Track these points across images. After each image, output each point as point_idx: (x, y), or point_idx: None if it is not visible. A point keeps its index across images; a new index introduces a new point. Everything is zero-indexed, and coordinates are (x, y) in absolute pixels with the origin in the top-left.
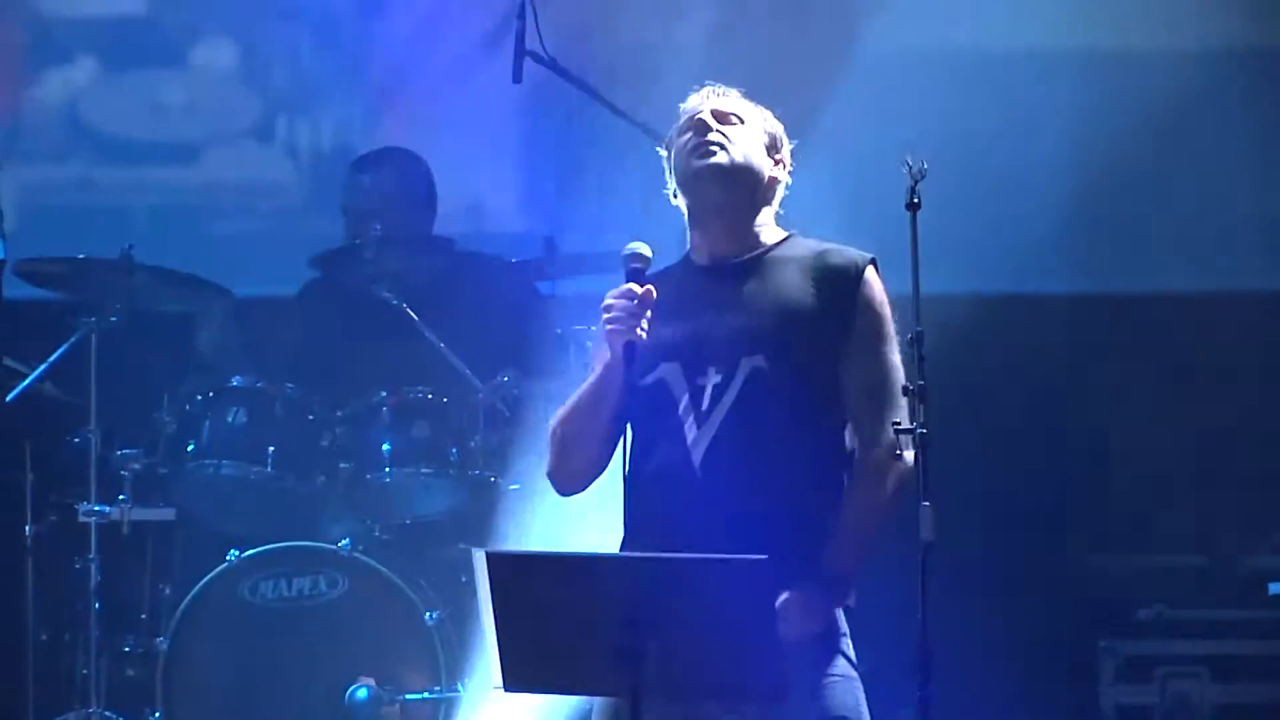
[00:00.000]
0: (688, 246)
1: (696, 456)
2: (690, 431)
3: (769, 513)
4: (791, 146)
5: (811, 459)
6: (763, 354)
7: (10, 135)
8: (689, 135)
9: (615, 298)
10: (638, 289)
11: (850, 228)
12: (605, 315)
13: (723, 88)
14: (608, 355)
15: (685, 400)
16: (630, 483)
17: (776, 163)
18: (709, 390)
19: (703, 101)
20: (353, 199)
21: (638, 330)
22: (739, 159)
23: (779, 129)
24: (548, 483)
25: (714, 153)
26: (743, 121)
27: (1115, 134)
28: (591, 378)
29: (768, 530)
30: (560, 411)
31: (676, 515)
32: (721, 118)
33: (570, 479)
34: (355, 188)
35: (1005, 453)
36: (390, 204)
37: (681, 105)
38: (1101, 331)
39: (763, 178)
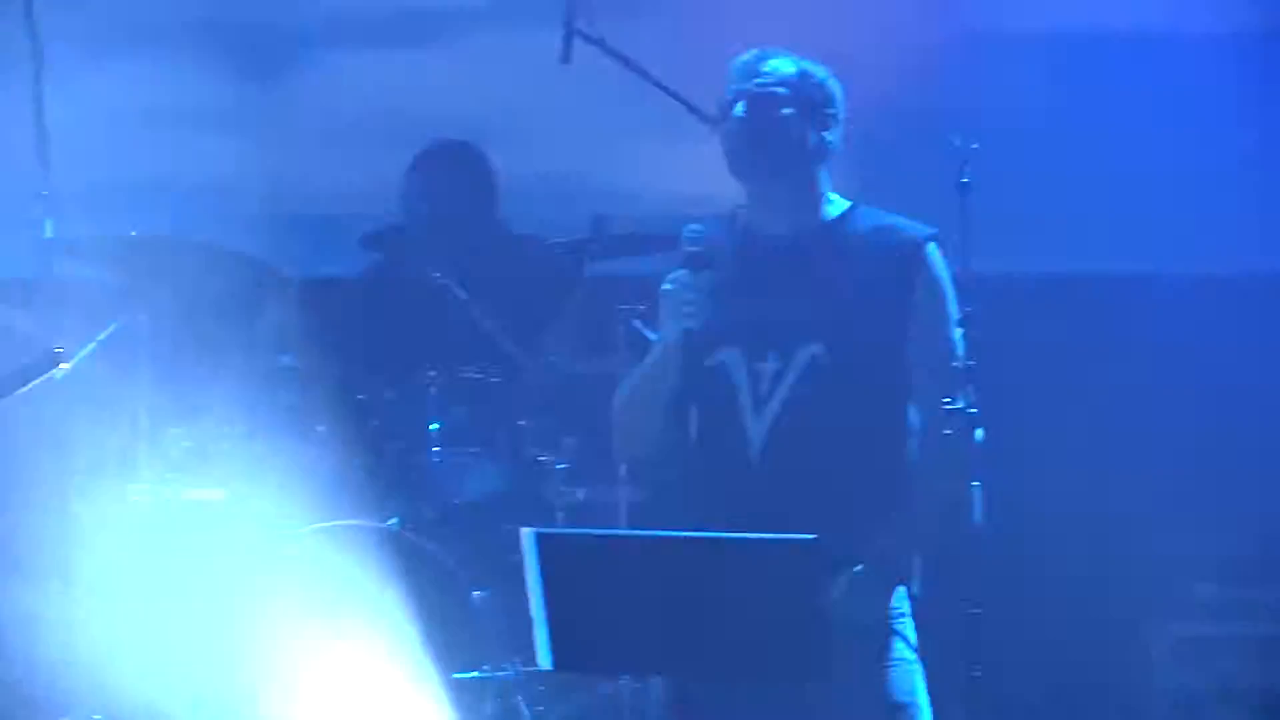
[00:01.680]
0: (747, 219)
1: (755, 446)
2: (749, 420)
3: (827, 503)
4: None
5: (870, 447)
6: (820, 342)
7: (61, 117)
8: (732, 126)
9: (672, 283)
10: (695, 275)
11: (899, 207)
12: (663, 301)
13: (764, 55)
14: (666, 342)
15: (745, 387)
16: (690, 468)
17: (827, 124)
18: (767, 377)
19: (746, 82)
20: (411, 202)
21: (694, 316)
22: (781, 148)
23: (827, 86)
24: (595, 462)
25: (757, 147)
26: (785, 104)
27: (1169, 114)
28: (649, 360)
29: (826, 520)
30: (620, 393)
31: (735, 504)
32: (763, 106)
33: (635, 453)
34: (413, 192)
35: (1058, 433)
36: (450, 204)
37: (730, 70)
38: (1154, 312)
39: (810, 152)
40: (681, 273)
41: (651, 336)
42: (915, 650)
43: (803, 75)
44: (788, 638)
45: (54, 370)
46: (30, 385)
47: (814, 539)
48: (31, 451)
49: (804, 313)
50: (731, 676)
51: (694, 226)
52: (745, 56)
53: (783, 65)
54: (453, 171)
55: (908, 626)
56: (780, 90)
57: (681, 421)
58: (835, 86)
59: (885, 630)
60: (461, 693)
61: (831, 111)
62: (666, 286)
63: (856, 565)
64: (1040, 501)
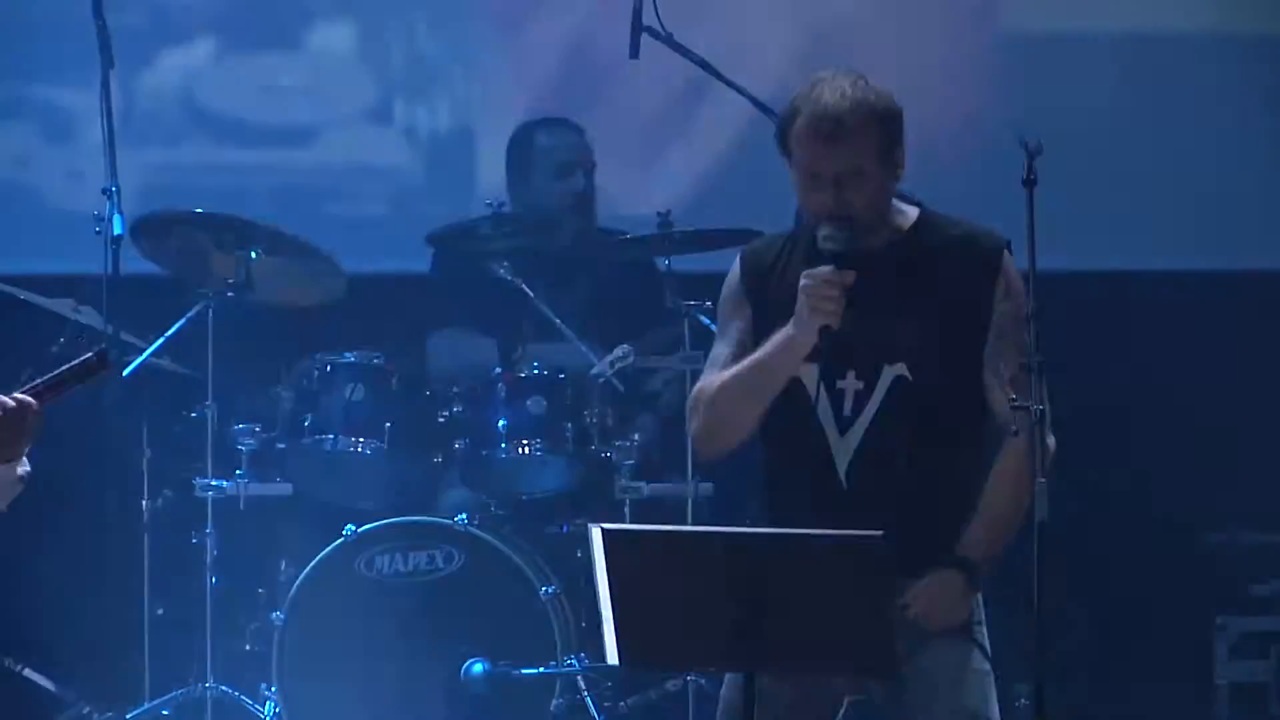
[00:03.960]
0: (813, 233)
1: (841, 467)
2: (833, 440)
3: (916, 523)
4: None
5: (956, 463)
6: (904, 362)
7: (128, 116)
8: (809, 186)
9: (817, 278)
10: (838, 273)
11: (967, 204)
12: (805, 295)
13: (830, 115)
14: (786, 333)
15: (825, 405)
16: (771, 484)
17: (896, 152)
18: (850, 397)
19: (814, 154)
20: (544, 154)
21: (835, 315)
22: (866, 214)
23: (892, 119)
24: (662, 458)
25: (846, 224)
26: (864, 168)
27: (1236, 113)
28: (770, 351)
29: (915, 538)
30: (717, 379)
31: (823, 524)
32: (841, 180)
33: (721, 446)
34: (545, 142)
35: (1121, 430)
36: (579, 162)
37: (793, 118)
38: (1219, 309)
39: (887, 195)
40: (825, 269)
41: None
42: (990, 659)
43: (876, 120)
44: (853, 634)
45: (101, 373)
46: (78, 387)
47: (879, 536)
48: (101, 444)
49: (884, 332)
50: (797, 672)
51: (829, 227)
52: (808, 113)
53: (847, 116)
54: (577, 134)
55: (984, 634)
56: (859, 151)
57: (762, 430)
58: (896, 106)
59: (965, 638)
60: (529, 688)
61: (900, 133)
62: (806, 282)
63: (940, 571)
64: (1104, 498)
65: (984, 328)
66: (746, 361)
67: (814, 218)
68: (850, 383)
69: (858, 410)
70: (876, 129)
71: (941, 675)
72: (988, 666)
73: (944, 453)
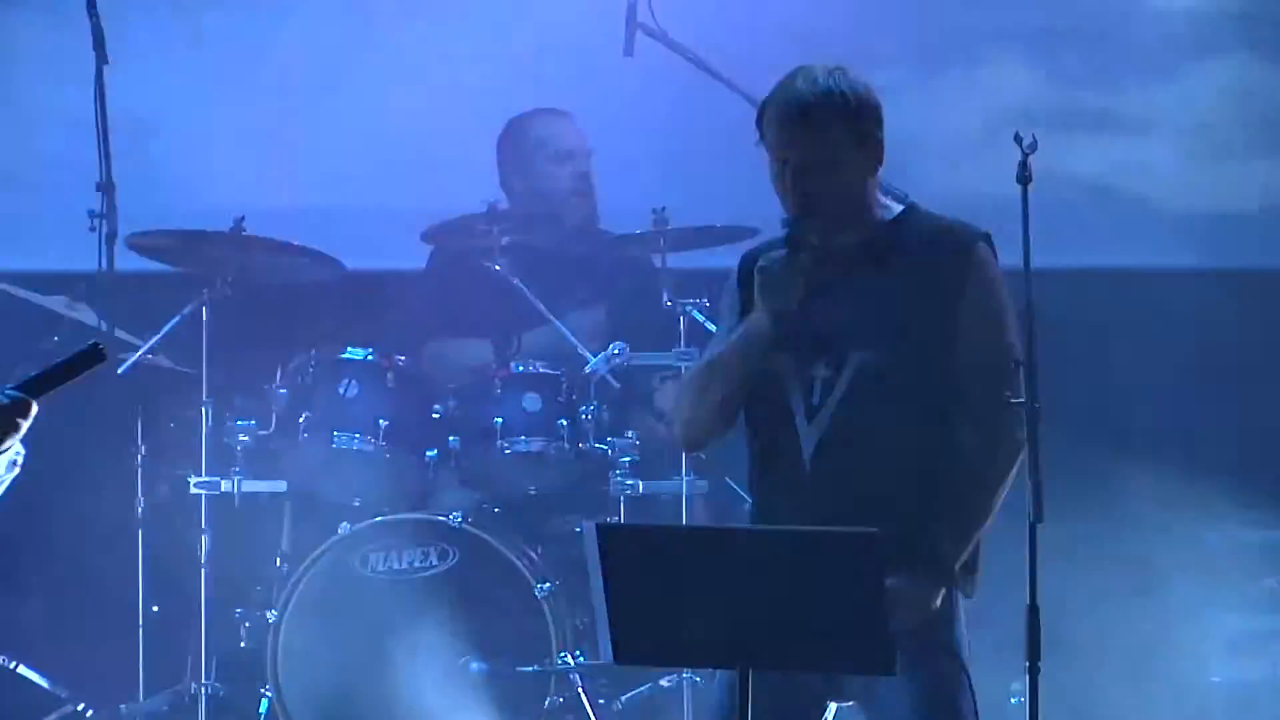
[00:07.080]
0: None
1: (806, 453)
2: (801, 427)
3: (877, 511)
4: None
5: (922, 454)
6: (871, 349)
7: (121, 112)
8: (780, 173)
9: (770, 261)
10: (794, 257)
11: (958, 201)
12: (760, 278)
13: (805, 103)
14: (755, 320)
15: (796, 392)
16: (753, 473)
17: (874, 142)
18: (819, 384)
19: (789, 143)
20: (542, 143)
21: (789, 298)
22: (831, 204)
23: (867, 106)
24: (657, 455)
25: (807, 211)
26: (831, 158)
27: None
28: (733, 339)
29: (877, 526)
30: (695, 369)
31: (788, 511)
32: (806, 168)
33: (699, 436)
34: (541, 131)
35: (1116, 427)
36: (577, 148)
37: (769, 110)
38: (1215, 306)
39: (861, 186)
40: (781, 253)
41: (711, 328)
42: (962, 656)
43: (849, 109)
44: (849, 630)
45: (98, 364)
46: (76, 379)
47: (874, 531)
48: (96, 442)
49: (854, 320)
50: (792, 669)
51: (794, 215)
52: (778, 100)
53: (814, 104)
54: (562, 122)
55: (957, 631)
56: (829, 141)
57: (747, 420)
58: (873, 98)
59: (934, 636)
60: (525, 685)
61: (876, 126)
62: (763, 264)
63: (905, 567)
64: (1100, 495)
65: (953, 315)
66: (711, 351)
67: (784, 205)
68: (820, 371)
69: (825, 397)
70: (846, 119)
71: (912, 674)
72: (962, 663)
73: (909, 440)
